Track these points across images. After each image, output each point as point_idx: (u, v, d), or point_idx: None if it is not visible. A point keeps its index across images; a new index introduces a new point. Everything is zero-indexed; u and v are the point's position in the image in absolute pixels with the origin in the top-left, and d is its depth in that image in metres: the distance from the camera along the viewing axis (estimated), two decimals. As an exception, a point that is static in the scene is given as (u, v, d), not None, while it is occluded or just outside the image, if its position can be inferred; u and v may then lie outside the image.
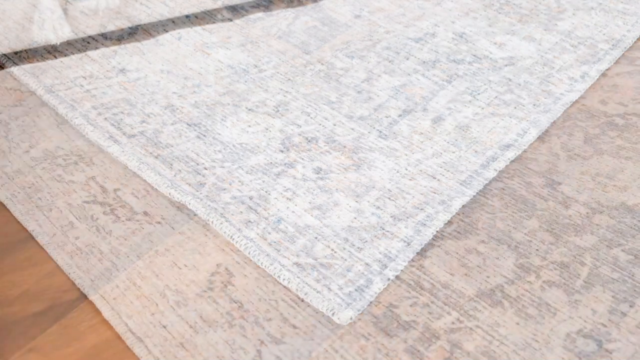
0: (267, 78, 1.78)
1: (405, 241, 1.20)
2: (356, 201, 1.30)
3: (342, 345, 1.00)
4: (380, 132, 1.54)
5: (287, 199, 1.32)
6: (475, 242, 1.20)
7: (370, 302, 1.07)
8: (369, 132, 1.53)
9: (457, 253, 1.17)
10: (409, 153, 1.45)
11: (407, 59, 1.87)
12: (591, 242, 1.19)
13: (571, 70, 1.79)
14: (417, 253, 1.17)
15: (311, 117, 1.60)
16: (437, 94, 1.69)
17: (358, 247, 1.19)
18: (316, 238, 1.21)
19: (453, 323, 1.03)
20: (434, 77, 1.77)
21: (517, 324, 1.03)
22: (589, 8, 2.19)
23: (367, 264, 1.15)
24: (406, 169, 1.40)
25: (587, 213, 1.26)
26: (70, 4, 1.86)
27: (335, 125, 1.56)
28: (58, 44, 1.87)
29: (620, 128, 1.52)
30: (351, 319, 1.04)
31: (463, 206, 1.29)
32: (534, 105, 1.63)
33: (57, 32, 1.81)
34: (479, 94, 1.69)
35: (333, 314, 1.05)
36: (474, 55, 1.87)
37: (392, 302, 1.07)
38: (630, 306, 1.06)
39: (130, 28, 2.04)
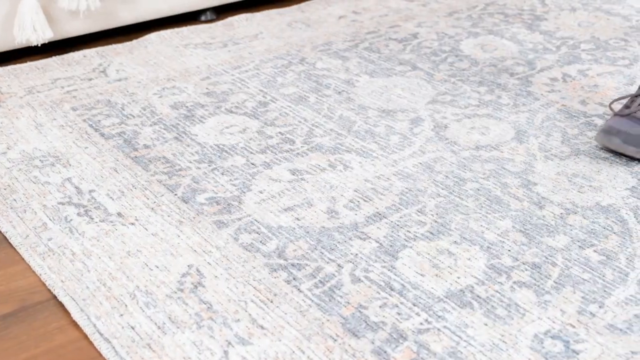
0: (248, 79, 1.78)
1: (377, 242, 1.20)
2: (331, 202, 1.30)
3: (309, 346, 0.99)
4: (358, 132, 1.54)
5: (262, 200, 1.32)
6: (448, 243, 1.20)
7: (340, 303, 1.07)
8: (347, 133, 1.53)
9: (429, 254, 1.17)
10: (385, 154, 1.45)
11: (389, 59, 1.87)
12: (564, 243, 1.19)
13: (552, 71, 1.79)
14: (389, 254, 1.17)
15: (290, 118, 1.60)
16: (417, 94, 1.69)
17: (330, 248, 1.19)
18: (289, 239, 1.21)
19: (421, 324, 1.03)
20: (415, 78, 1.77)
21: (486, 324, 1.03)
22: (573, 9, 2.19)
23: (338, 265, 1.15)
24: (382, 170, 1.40)
25: (561, 214, 1.26)
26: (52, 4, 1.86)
27: (313, 126, 1.56)
28: (39, 45, 1.87)
29: (599, 128, 1.52)
30: (319, 320, 1.04)
31: (437, 207, 1.29)
32: (514, 105, 1.63)
33: (38, 33, 1.81)
34: (459, 94, 1.69)
35: (302, 315, 1.05)
36: (456, 56, 1.87)
37: (361, 303, 1.07)
38: (600, 307, 1.06)
39: (112, 29, 2.04)
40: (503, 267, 1.14)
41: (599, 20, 2.10)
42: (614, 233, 1.21)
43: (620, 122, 1.40)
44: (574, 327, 1.02)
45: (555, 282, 1.10)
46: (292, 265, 1.15)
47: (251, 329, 1.03)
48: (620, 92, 1.68)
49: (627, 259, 1.15)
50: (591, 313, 1.04)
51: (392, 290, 1.10)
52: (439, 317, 1.04)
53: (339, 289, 1.10)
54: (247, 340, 1.01)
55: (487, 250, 1.18)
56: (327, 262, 1.16)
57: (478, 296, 1.08)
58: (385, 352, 0.98)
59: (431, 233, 1.22)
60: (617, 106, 1.48)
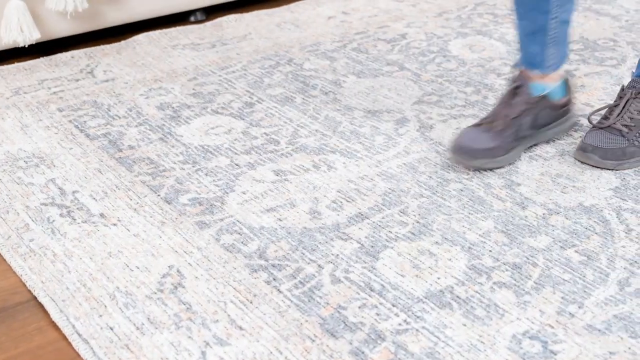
0: (235, 80, 1.78)
1: (359, 243, 1.20)
2: (313, 203, 1.30)
3: (287, 346, 0.99)
4: (343, 133, 1.54)
5: (245, 200, 1.32)
6: (429, 244, 1.20)
7: (319, 304, 1.07)
8: (332, 134, 1.53)
9: (410, 254, 1.17)
10: (370, 154, 1.45)
11: (377, 59, 1.87)
12: (545, 243, 1.19)
13: (540, 71, 1.79)
14: (370, 254, 1.17)
15: (275, 119, 1.60)
16: (403, 94, 1.69)
17: (311, 249, 1.18)
18: (270, 240, 1.21)
19: (400, 324, 1.03)
20: (402, 78, 1.77)
21: (464, 325, 1.02)
22: (563, 9, 2.18)
23: (319, 265, 1.15)
24: (366, 171, 1.40)
25: (544, 214, 1.26)
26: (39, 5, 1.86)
27: (298, 126, 1.56)
28: (26, 46, 1.87)
29: (584, 129, 1.52)
30: (298, 320, 1.04)
31: (420, 207, 1.29)
32: (500, 106, 1.62)
33: (25, 34, 1.81)
34: (445, 94, 1.69)
35: (281, 315, 1.05)
36: (444, 56, 1.87)
37: (340, 303, 1.07)
38: (579, 307, 1.05)
39: (101, 30, 2.04)
40: (484, 267, 1.14)
41: (588, 20, 2.10)
42: (596, 233, 1.21)
43: (597, 136, 1.40)
44: (552, 327, 1.02)
45: (536, 283, 1.10)
46: (273, 265, 1.15)
47: (230, 330, 1.03)
48: (608, 92, 1.68)
49: (608, 259, 1.15)
50: (570, 313, 1.04)
51: (371, 290, 1.10)
52: (418, 317, 1.04)
53: (318, 290, 1.10)
54: (225, 340, 1.01)
55: (468, 250, 1.18)
56: (308, 263, 1.16)
57: (458, 297, 1.08)
58: (362, 352, 0.98)
59: (412, 233, 1.22)
60: (597, 118, 1.47)
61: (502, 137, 1.38)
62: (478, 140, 1.37)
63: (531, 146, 1.46)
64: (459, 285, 1.10)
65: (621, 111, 1.42)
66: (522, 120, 1.40)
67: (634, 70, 1.52)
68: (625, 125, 1.41)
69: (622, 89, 1.45)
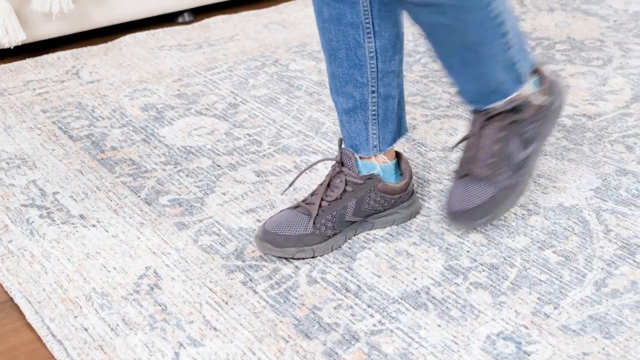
0: (220, 81, 1.78)
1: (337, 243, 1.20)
2: (293, 204, 1.30)
3: (261, 347, 0.99)
4: (326, 134, 1.53)
5: (225, 202, 1.32)
6: (407, 244, 1.20)
7: (294, 305, 1.07)
8: (315, 134, 1.53)
9: (387, 255, 1.17)
10: (351, 155, 1.44)
11: (362, 61, 1.86)
12: (523, 244, 1.19)
13: (525, 72, 1.78)
14: (348, 255, 1.17)
15: (259, 120, 1.60)
16: (387, 95, 1.69)
17: (289, 250, 1.18)
18: (248, 241, 1.21)
19: (374, 325, 1.03)
20: (387, 79, 1.77)
21: (439, 326, 1.02)
22: (551, 9, 2.19)
23: (296, 266, 1.15)
24: (347, 171, 1.39)
25: (523, 215, 1.26)
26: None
27: (282, 127, 1.56)
28: (12, 47, 1.87)
29: (568, 129, 1.52)
30: (273, 321, 1.04)
31: (399, 208, 1.28)
32: (484, 106, 1.62)
33: (10, 35, 1.81)
34: (429, 95, 1.69)
35: (256, 316, 1.05)
36: (430, 57, 1.86)
37: (316, 304, 1.07)
38: (555, 308, 1.05)
39: (89, 31, 2.04)
40: (461, 268, 1.14)
41: (576, 20, 2.10)
42: (575, 234, 1.21)
43: (458, 195, 1.21)
44: (527, 328, 1.02)
45: (512, 284, 1.10)
46: (250, 266, 1.15)
47: (204, 331, 1.03)
48: (592, 92, 1.68)
49: (586, 259, 1.15)
50: (545, 314, 1.04)
51: (347, 291, 1.10)
52: (393, 318, 1.04)
53: (294, 291, 1.10)
54: (199, 341, 1.01)
55: (445, 251, 1.18)
56: (285, 264, 1.16)
57: (433, 297, 1.08)
58: (336, 353, 0.98)
59: (391, 235, 1.22)
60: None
61: (318, 224, 1.16)
62: (290, 226, 1.16)
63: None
64: (435, 286, 1.10)
65: (478, 148, 1.21)
66: (345, 204, 1.17)
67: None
68: (488, 166, 1.20)
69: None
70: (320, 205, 1.16)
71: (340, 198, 1.17)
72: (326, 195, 1.17)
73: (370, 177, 1.18)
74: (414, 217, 1.26)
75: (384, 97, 1.18)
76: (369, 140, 1.20)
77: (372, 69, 1.16)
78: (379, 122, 1.20)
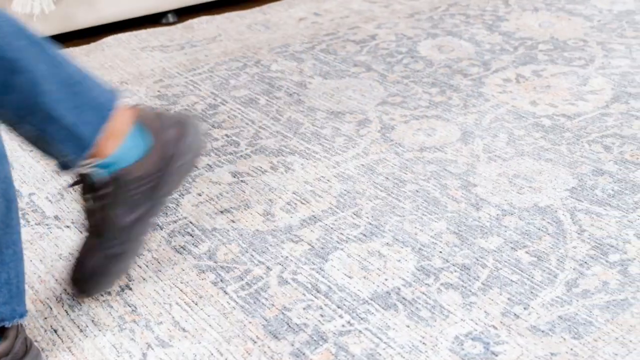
0: (201, 82, 1.77)
1: (309, 245, 1.20)
2: (268, 205, 1.30)
3: (228, 348, 0.99)
4: (304, 135, 1.53)
5: (200, 202, 1.32)
6: (380, 245, 1.20)
7: (264, 305, 1.07)
8: (293, 135, 1.53)
9: (359, 256, 1.17)
10: (329, 156, 1.45)
11: (344, 61, 1.87)
12: (496, 244, 1.19)
13: (506, 71, 1.79)
14: (320, 256, 1.17)
15: (238, 120, 1.60)
16: (367, 95, 1.69)
17: (261, 251, 1.18)
18: (221, 241, 1.21)
19: (343, 326, 1.03)
20: (368, 79, 1.77)
21: (408, 326, 1.02)
22: (536, 9, 2.19)
23: (267, 267, 1.15)
24: (323, 172, 1.39)
25: (497, 215, 1.26)
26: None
27: (260, 128, 1.56)
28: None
29: (546, 129, 1.52)
30: (242, 322, 1.04)
31: (374, 209, 1.28)
32: (464, 106, 1.63)
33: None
34: (409, 95, 1.69)
35: (225, 317, 1.05)
36: (412, 57, 1.86)
37: (285, 305, 1.07)
38: (525, 308, 1.05)
39: (72, 32, 2.04)
40: (432, 268, 1.14)
41: (560, 20, 2.10)
42: (548, 234, 1.21)
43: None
44: (496, 328, 1.02)
45: (483, 284, 1.10)
46: (221, 267, 1.15)
47: (172, 331, 1.03)
48: (573, 92, 1.68)
49: (558, 260, 1.15)
50: (515, 314, 1.04)
51: (318, 292, 1.10)
52: (362, 319, 1.04)
53: (265, 291, 1.10)
54: (167, 342, 1.01)
55: (418, 252, 1.17)
56: (256, 265, 1.15)
57: (404, 298, 1.08)
58: (303, 354, 0.98)
59: (364, 235, 1.22)
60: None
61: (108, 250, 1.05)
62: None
63: (492, 147, 1.46)
64: (406, 286, 1.10)
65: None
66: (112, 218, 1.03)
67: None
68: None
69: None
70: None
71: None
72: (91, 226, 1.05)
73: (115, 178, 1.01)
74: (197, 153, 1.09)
75: None
76: None
77: None
78: None
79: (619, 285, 1.09)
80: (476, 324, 1.03)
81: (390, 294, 1.09)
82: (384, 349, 0.99)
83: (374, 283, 1.11)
